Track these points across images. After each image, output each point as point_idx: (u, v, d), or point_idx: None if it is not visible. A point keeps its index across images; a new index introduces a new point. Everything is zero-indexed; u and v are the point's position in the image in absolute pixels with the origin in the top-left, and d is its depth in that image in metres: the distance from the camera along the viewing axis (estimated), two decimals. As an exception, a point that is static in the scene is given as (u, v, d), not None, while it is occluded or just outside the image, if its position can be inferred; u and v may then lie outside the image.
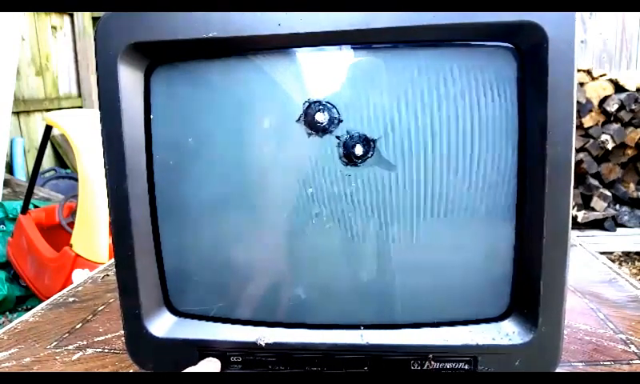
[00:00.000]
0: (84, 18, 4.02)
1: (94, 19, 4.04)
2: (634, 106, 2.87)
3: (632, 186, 3.06)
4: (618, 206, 3.06)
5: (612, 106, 2.87)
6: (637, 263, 2.91)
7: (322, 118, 0.44)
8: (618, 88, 2.93)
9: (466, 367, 0.46)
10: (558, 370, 0.46)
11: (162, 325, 0.49)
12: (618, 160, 3.00)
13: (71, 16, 4.00)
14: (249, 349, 0.48)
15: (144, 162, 0.46)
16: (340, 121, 0.44)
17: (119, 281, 0.48)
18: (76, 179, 2.35)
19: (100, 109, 0.44)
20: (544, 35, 0.39)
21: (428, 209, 0.45)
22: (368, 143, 0.44)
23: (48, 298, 0.78)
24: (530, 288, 0.44)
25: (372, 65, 0.44)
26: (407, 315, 0.48)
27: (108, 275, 0.87)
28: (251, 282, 0.49)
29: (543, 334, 0.44)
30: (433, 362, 0.47)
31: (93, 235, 1.96)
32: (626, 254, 3.01)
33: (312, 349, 0.47)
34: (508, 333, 0.46)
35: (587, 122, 2.93)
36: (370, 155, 0.44)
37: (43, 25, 3.74)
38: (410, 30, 0.41)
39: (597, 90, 2.93)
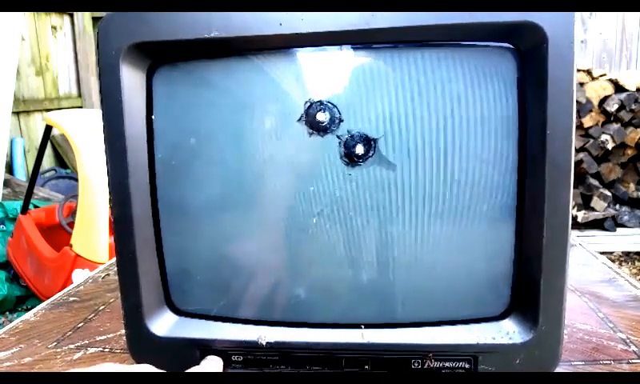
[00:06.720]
0: (84, 18, 4.02)
1: (94, 19, 4.04)
2: (633, 106, 2.87)
3: (632, 186, 3.06)
4: (617, 206, 3.06)
5: (612, 106, 2.88)
6: (637, 263, 2.91)
7: (323, 117, 0.44)
8: (618, 88, 2.93)
9: (467, 366, 0.46)
10: (558, 369, 0.46)
11: (164, 324, 0.49)
12: (618, 160, 3.00)
13: (71, 16, 4.00)
14: (250, 348, 0.48)
15: (146, 162, 0.47)
16: (341, 120, 0.44)
17: (120, 280, 0.48)
18: (76, 179, 2.35)
19: (102, 109, 0.45)
20: (544, 35, 0.40)
21: (428, 208, 0.45)
22: (369, 143, 0.44)
23: (48, 297, 0.78)
24: (530, 287, 0.44)
25: (373, 65, 0.44)
26: (408, 314, 0.48)
27: (108, 275, 0.87)
28: (252, 281, 0.49)
29: (543, 333, 0.44)
30: (433, 361, 0.47)
31: (93, 235, 1.96)
32: (626, 254, 3.01)
33: (313, 348, 0.48)
34: (508, 332, 0.46)
35: (587, 121, 2.93)
36: (370, 155, 0.44)
37: (43, 25, 3.74)
38: (411, 30, 0.41)
39: (597, 90, 2.94)
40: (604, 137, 2.91)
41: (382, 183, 0.45)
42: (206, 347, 0.49)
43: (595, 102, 2.93)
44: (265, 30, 0.42)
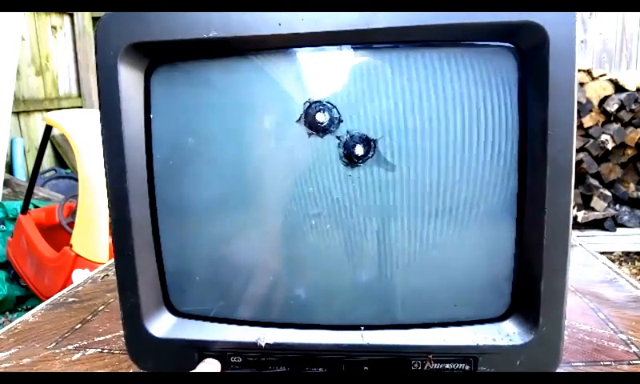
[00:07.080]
0: (84, 18, 4.02)
1: (94, 19, 4.04)
2: (633, 106, 2.87)
3: (632, 185, 3.06)
4: (617, 206, 3.06)
5: (612, 106, 2.87)
6: (637, 263, 2.91)
7: (322, 118, 0.44)
8: (618, 88, 2.93)
9: (467, 367, 0.46)
10: (559, 370, 0.46)
11: (162, 325, 0.49)
12: (618, 160, 3.00)
13: (71, 16, 4.00)
14: (249, 349, 0.48)
15: (144, 162, 0.46)
16: (340, 121, 0.44)
17: (119, 280, 0.47)
18: (76, 179, 2.35)
19: (100, 109, 0.44)
20: (544, 35, 0.39)
21: (428, 209, 0.45)
22: (368, 143, 0.44)
23: (48, 297, 0.78)
24: (531, 288, 0.44)
25: (372, 65, 0.44)
26: (407, 315, 0.48)
27: (108, 275, 0.87)
28: (251, 283, 0.49)
29: (544, 334, 0.44)
30: (433, 363, 0.46)
31: (93, 235, 1.96)
32: (626, 254, 3.01)
33: (312, 349, 0.47)
34: (509, 333, 0.46)
35: (587, 121, 2.93)
36: (370, 155, 0.44)
37: (43, 25, 3.74)
38: (411, 30, 0.41)
39: (597, 90, 2.93)
40: (604, 137, 2.91)
41: (382, 184, 0.45)
42: (204, 348, 0.49)
43: (595, 102, 2.93)
44: (264, 30, 0.42)
